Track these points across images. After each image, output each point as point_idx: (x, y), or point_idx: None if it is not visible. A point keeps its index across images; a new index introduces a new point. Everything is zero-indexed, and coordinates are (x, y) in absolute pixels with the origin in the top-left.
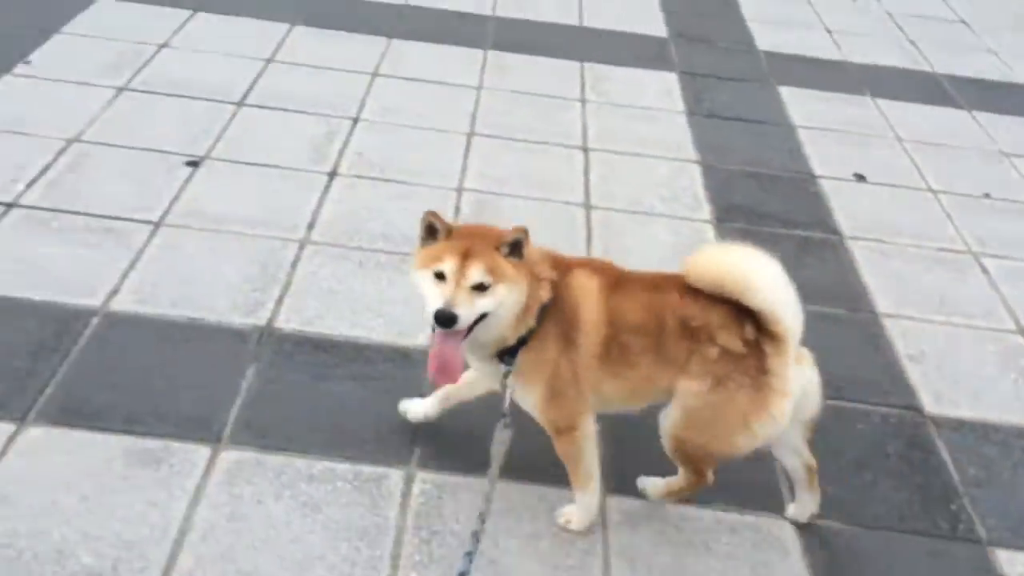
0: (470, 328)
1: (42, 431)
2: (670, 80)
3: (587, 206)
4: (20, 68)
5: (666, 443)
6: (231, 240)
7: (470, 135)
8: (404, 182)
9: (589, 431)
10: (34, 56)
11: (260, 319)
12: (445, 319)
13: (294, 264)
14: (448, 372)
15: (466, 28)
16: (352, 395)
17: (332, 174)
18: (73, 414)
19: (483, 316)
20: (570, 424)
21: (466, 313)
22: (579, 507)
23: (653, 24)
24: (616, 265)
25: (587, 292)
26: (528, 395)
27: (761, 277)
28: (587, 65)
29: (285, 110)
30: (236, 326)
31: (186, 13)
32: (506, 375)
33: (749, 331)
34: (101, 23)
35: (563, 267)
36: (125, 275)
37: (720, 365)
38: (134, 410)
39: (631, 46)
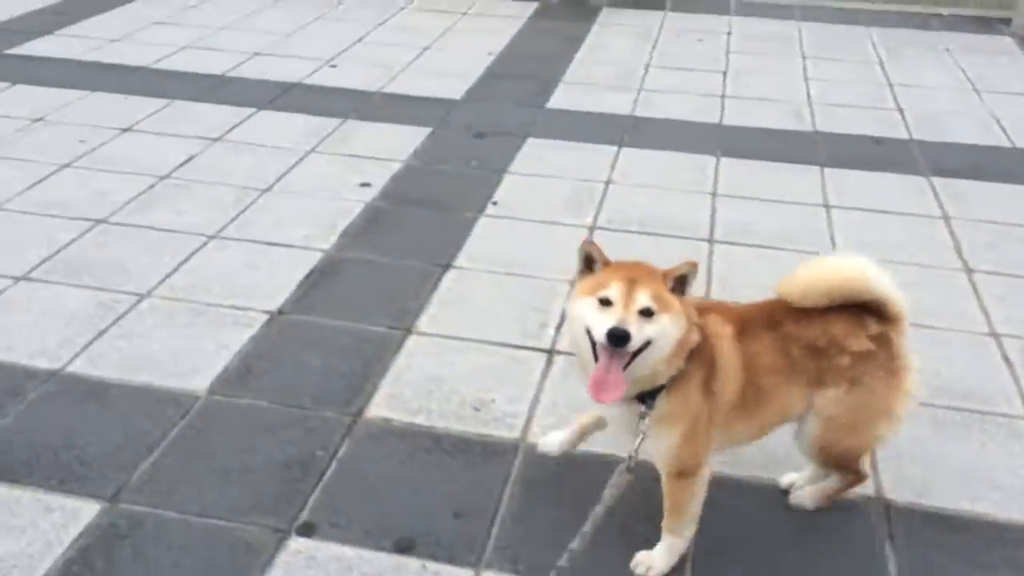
0: (633, 356)
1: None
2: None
3: None
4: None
5: (809, 453)
6: None
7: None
8: None
9: (708, 474)
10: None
11: None
12: (618, 337)
13: None
14: (611, 389)
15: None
16: None
17: None
18: None
19: (646, 346)
20: (697, 466)
21: (637, 333)
22: (665, 550)
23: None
24: (731, 304)
25: (722, 338)
26: (664, 438)
27: (869, 270)
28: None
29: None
30: None
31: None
32: (643, 416)
33: (873, 327)
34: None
35: (699, 311)
36: None
37: (854, 369)
38: None
39: None
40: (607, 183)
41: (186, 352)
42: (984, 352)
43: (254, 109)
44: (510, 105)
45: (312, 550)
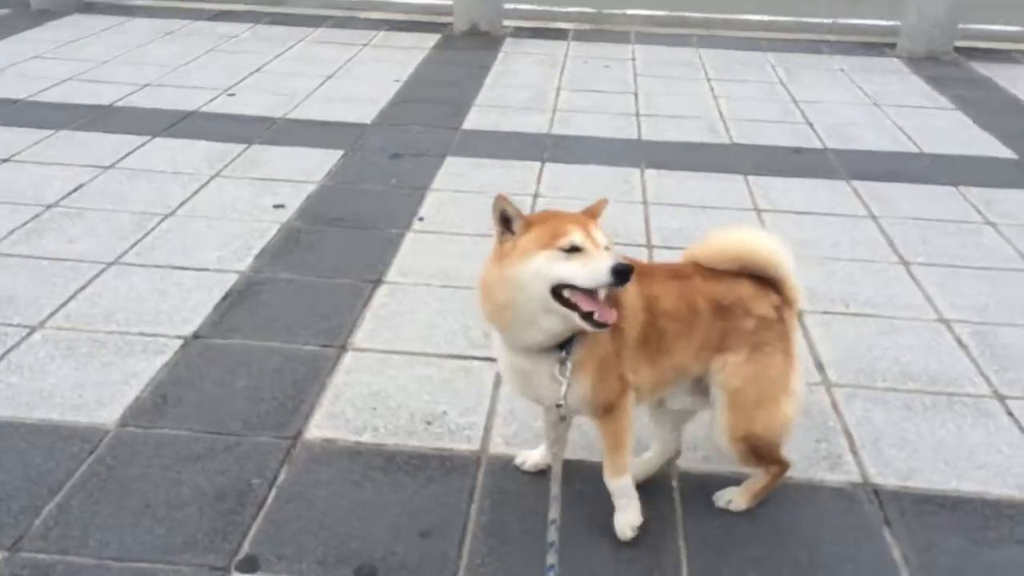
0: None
1: None
2: None
3: None
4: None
5: (731, 445)
6: None
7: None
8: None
9: (631, 407)
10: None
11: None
12: (626, 272)
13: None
14: (610, 311)
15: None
16: None
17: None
18: None
19: None
20: (620, 396)
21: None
22: (629, 507)
23: None
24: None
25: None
26: (587, 379)
27: (778, 246)
28: None
29: None
30: None
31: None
32: (563, 362)
33: (775, 298)
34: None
35: None
36: None
37: (756, 335)
38: None
39: None
40: (535, 196)
41: (89, 384)
42: (939, 338)
43: (148, 137)
44: (424, 127)
45: None
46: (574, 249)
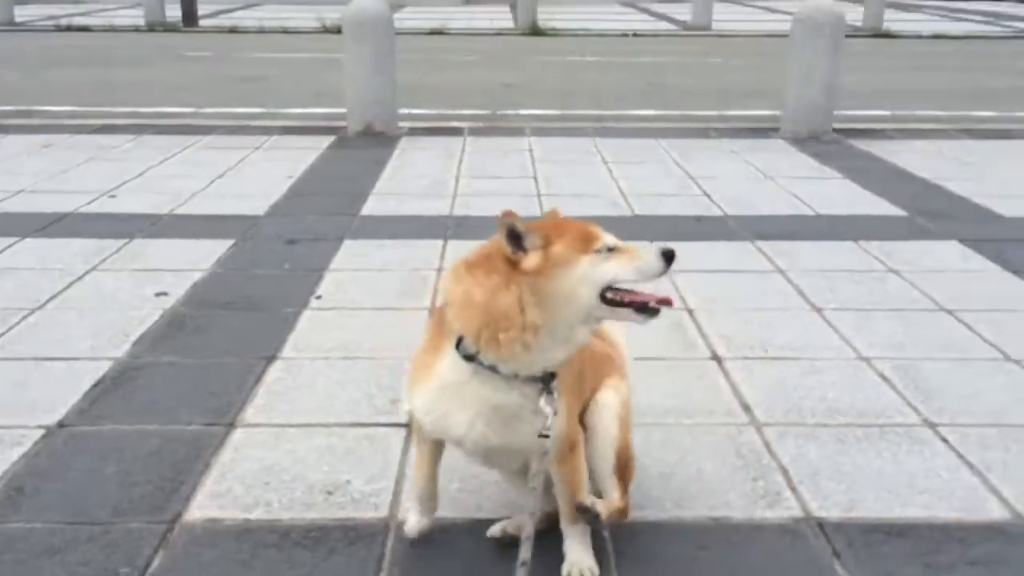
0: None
1: None
2: None
3: None
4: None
5: (613, 459)
6: None
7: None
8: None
9: None
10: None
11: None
12: (672, 253)
13: None
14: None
15: None
16: None
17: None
18: None
19: None
20: (577, 434)
21: None
22: (584, 544)
23: None
24: None
25: None
26: (562, 411)
27: None
28: None
29: None
30: None
31: None
32: (551, 392)
33: None
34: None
35: None
36: None
37: (616, 361)
38: None
39: None
40: (439, 270)
41: None
42: (861, 375)
43: (17, 238)
44: (320, 216)
45: None
46: (613, 249)
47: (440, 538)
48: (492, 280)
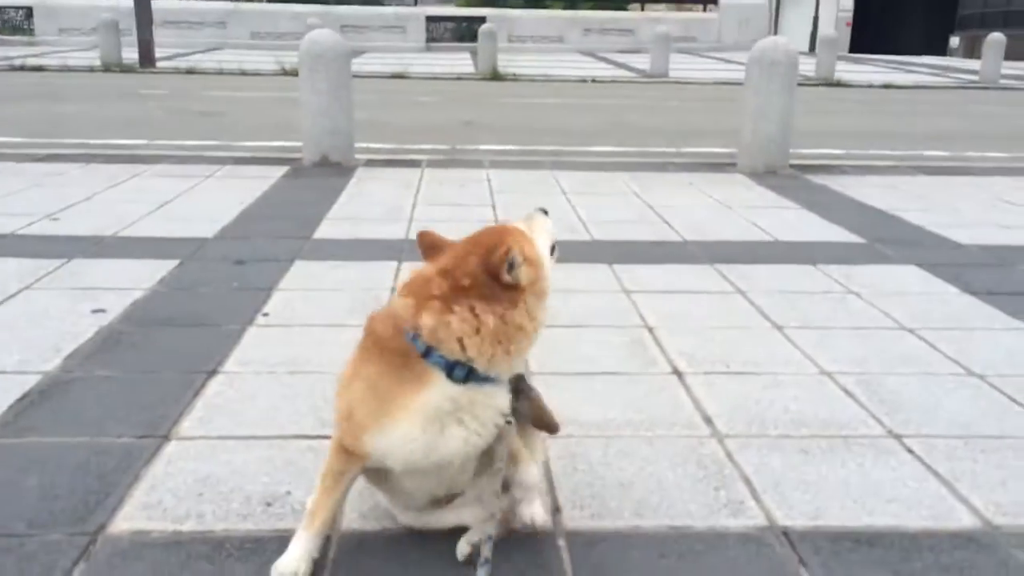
0: None
1: None
2: None
3: None
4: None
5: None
6: None
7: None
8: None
9: None
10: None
11: None
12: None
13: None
14: None
15: None
16: None
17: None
18: None
19: None
20: None
21: None
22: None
23: None
24: None
25: None
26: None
27: None
28: None
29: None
30: None
31: None
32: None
33: None
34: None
35: None
36: None
37: None
38: None
39: None
40: (392, 290)
41: None
42: (824, 388)
43: None
44: (271, 239)
45: None
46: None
47: (384, 548)
48: (499, 304)
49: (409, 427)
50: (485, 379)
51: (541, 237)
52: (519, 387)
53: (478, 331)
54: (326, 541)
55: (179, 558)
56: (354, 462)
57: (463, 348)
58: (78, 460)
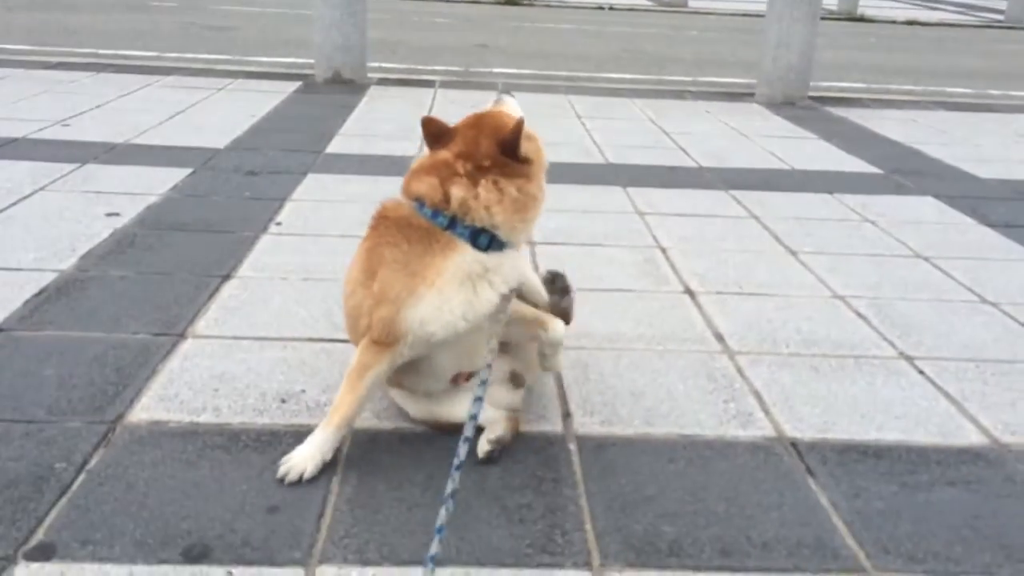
0: None
1: None
2: None
3: None
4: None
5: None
6: None
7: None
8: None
9: None
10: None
11: None
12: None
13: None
14: None
15: None
16: None
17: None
18: None
19: None
20: None
21: None
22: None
23: None
24: None
25: None
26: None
27: None
28: None
29: None
30: None
31: None
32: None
33: None
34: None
35: None
36: None
37: None
38: None
39: None
40: None
41: None
42: (836, 311)
43: None
44: (283, 152)
45: (52, 575)
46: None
47: (397, 445)
48: (517, 178)
49: (446, 288)
50: (504, 245)
51: (514, 109)
52: (566, 285)
53: (501, 201)
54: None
55: (196, 447)
56: (385, 354)
57: (490, 215)
58: (95, 353)
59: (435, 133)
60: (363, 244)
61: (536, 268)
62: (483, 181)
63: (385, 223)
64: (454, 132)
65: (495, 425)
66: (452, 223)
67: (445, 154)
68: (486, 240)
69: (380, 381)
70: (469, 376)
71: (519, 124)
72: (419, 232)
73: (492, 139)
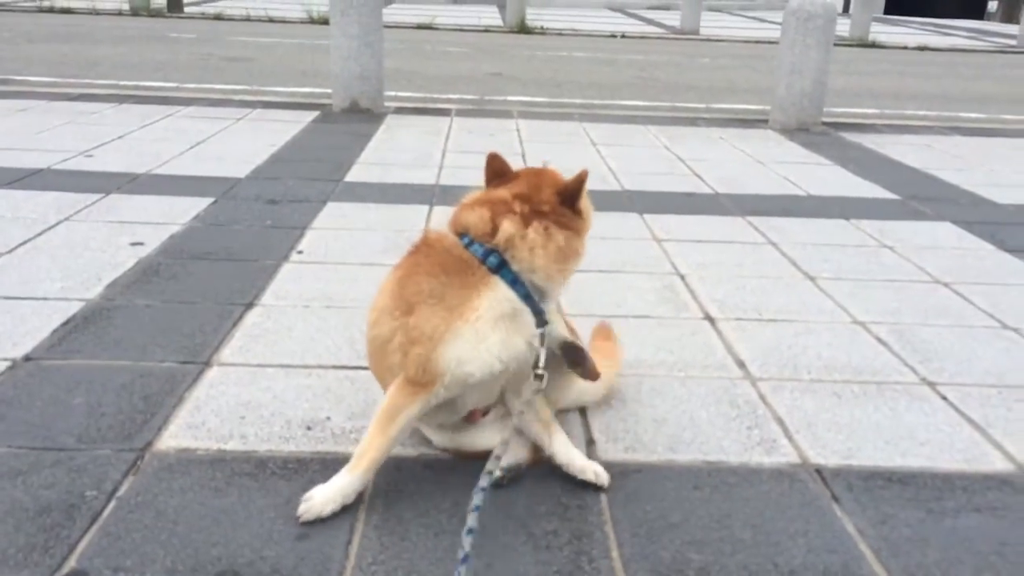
0: None
1: None
2: None
3: None
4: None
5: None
6: None
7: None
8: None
9: None
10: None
11: None
12: None
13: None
14: None
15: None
16: None
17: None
18: None
19: None
20: None
21: None
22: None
23: None
24: None
25: None
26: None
27: None
28: None
29: None
30: None
31: None
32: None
33: None
34: None
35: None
36: None
37: None
38: None
39: None
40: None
41: None
42: (857, 337)
43: None
44: (303, 180)
45: None
46: None
47: (422, 472)
48: (568, 230)
49: (482, 325)
50: (540, 299)
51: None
52: (576, 359)
53: (547, 247)
54: None
55: (224, 474)
56: (420, 395)
57: (532, 256)
58: (123, 382)
59: (497, 170)
60: (394, 272)
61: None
62: (535, 223)
63: (425, 250)
64: (516, 175)
65: (513, 452)
66: (500, 265)
67: (503, 192)
68: (522, 291)
69: (412, 423)
70: (485, 412)
71: (584, 175)
72: (458, 264)
73: (553, 188)
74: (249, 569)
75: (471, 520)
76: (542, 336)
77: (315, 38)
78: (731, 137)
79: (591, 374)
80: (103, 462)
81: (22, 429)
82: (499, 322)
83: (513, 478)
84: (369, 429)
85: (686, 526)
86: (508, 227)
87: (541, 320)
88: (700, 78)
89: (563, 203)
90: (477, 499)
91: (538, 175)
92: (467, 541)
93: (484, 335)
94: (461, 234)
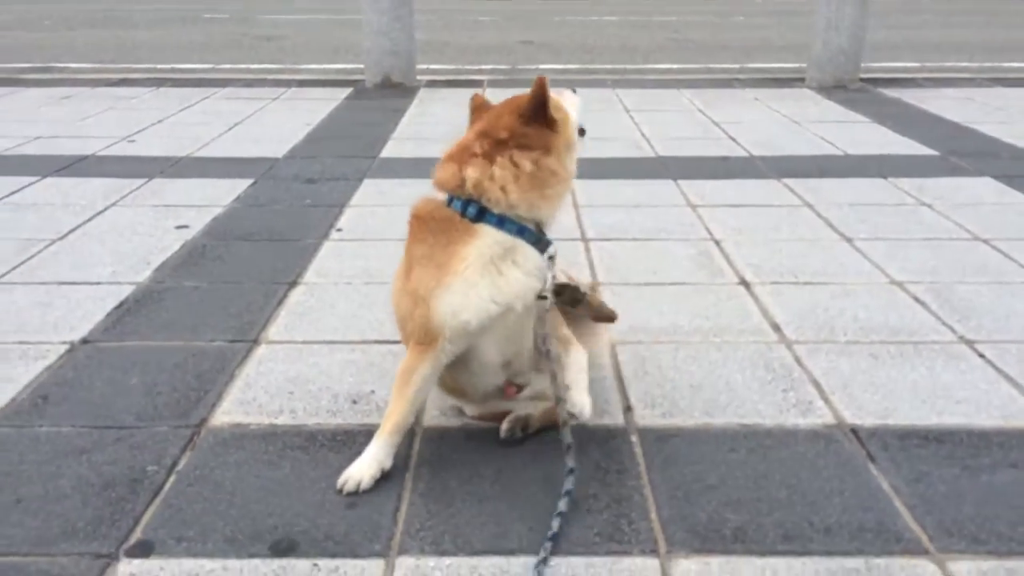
0: None
1: None
2: None
3: None
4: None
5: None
6: None
7: None
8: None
9: None
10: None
11: None
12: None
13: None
14: None
15: None
16: None
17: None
18: None
19: None
20: None
21: None
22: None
23: None
24: None
25: None
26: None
27: None
28: None
29: None
30: None
31: None
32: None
33: None
34: None
35: None
36: None
37: None
38: None
39: None
40: None
41: None
42: (894, 297)
43: (37, 177)
44: (339, 158)
45: (152, 571)
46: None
47: (465, 441)
48: (533, 151)
49: (470, 273)
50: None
51: (570, 108)
52: (576, 297)
53: (518, 178)
54: (410, 436)
55: (276, 448)
56: (428, 354)
57: (506, 194)
58: (176, 361)
59: (473, 109)
60: (406, 244)
61: (591, 264)
62: (499, 158)
63: (416, 221)
64: (485, 110)
65: (525, 408)
66: (480, 213)
67: (469, 135)
68: (513, 228)
69: (429, 383)
70: (519, 389)
71: (541, 81)
72: (442, 223)
73: (513, 111)
74: (304, 537)
75: (562, 504)
76: (551, 260)
77: (345, 12)
78: (766, 98)
79: (602, 314)
80: (161, 438)
81: (84, 409)
82: (489, 266)
83: (519, 431)
84: (391, 394)
85: (723, 487)
86: (472, 173)
87: (543, 246)
88: (735, 37)
89: (527, 122)
90: (568, 483)
91: (504, 104)
92: (555, 523)
93: (473, 282)
94: (443, 190)
